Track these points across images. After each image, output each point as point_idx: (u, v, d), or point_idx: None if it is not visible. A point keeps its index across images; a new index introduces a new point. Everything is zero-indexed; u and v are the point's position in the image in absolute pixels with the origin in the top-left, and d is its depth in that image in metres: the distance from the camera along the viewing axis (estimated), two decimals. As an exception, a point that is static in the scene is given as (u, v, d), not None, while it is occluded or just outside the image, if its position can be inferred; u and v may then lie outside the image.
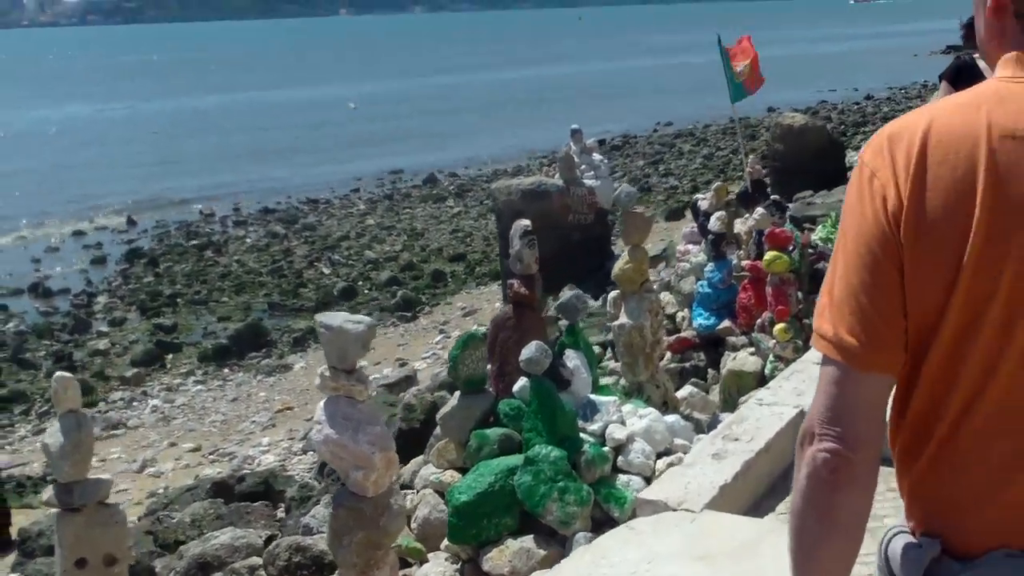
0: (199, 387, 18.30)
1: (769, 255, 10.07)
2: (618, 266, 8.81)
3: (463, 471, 7.62)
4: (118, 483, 13.51)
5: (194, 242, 31.65)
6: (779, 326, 9.39)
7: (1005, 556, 1.89)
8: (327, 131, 58.28)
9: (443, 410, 8.03)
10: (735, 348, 10.81)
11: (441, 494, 7.61)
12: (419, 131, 56.76)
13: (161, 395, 17.99)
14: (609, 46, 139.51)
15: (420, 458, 8.72)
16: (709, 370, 11.14)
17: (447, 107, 66.95)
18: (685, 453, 7.55)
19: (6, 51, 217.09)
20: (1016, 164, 1.85)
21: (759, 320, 10.25)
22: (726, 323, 11.13)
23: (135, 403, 17.73)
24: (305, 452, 13.98)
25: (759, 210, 11.20)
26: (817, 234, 14.46)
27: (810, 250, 12.38)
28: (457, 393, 8.03)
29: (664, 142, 45.89)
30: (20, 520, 12.02)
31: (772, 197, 12.68)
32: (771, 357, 9.43)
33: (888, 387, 2.01)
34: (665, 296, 12.90)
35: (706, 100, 49.21)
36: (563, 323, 8.71)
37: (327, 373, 5.48)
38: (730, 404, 9.51)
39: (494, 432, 7.54)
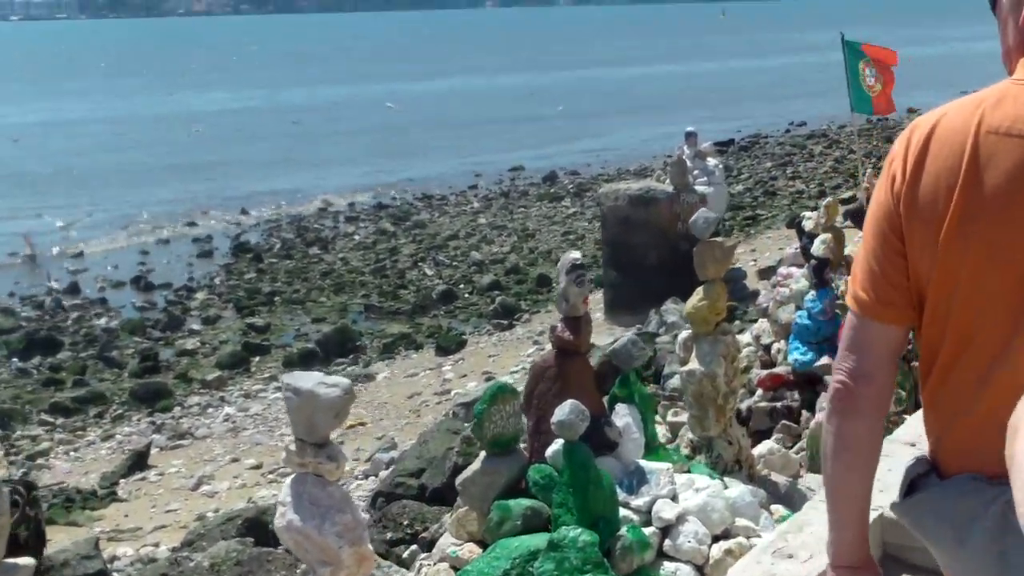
0: (277, 395, 17.48)
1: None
2: (691, 303, 7.56)
3: (485, 546, 6.49)
4: (170, 502, 12.78)
5: (303, 237, 31.06)
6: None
7: (970, 479, 2.33)
8: (453, 125, 57.48)
9: (464, 473, 6.89)
10: (826, 387, 9.48)
11: (457, 569, 6.50)
12: (549, 126, 55.66)
13: (238, 402, 17.26)
14: (751, 42, 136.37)
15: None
16: (803, 412, 9.78)
17: (581, 102, 65.59)
18: (748, 537, 6.30)
19: (164, 38, 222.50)
20: (993, 157, 2.20)
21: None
22: (825, 360, 9.72)
23: (211, 409, 17.02)
24: (366, 477, 13.01)
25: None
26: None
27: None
28: (482, 454, 6.88)
29: (795, 143, 43.91)
30: (61, 538, 11.26)
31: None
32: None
33: (896, 336, 2.52)
34: (762, 324, 11.54)
35: (843, 100, 47.10)
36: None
37: (292, 447, 4.51)
38: (817, 463, 8.18)
39: (518, 505, 6.37)
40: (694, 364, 7.43)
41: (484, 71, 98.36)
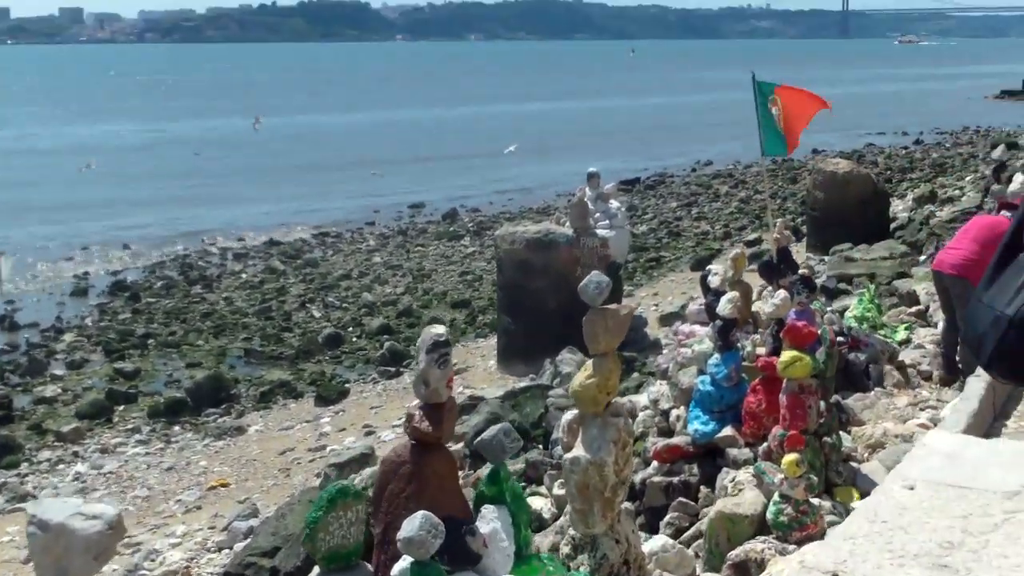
0: (137, 449, 15.96)
1: (786, 356, 7.59)
2: (578, 380, 6.34)
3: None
4: (-3, 579, 11.25)
5: (187, 275, 29.43)
6: (789, 457, 6.87)
7: None
8: (355, 160, 56.01)
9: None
10: (736, 464, 8.35)
11: None
12: (450, 162, 54.54)
13: (92, 458, 15.67)
14: (660, 79, 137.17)
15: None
16: (702, 488, 8.63)
17: (488, 137, 64.57)
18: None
19: (54, 67, 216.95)
20: None
21: (766, 443, 7.77)
22: (728, 431, 8.64)
23: (61, 465, 15.43)
24: (219, 550, 11.62)
25: (780, 294, 8.71)
26: (851, 312, 11.99)
27: (840, 338, 9.91)
28: (316, 571, 5.58)
29: (701, 182, 43.42)
30: None
31: (800, 271, 10.17)
32: (776, 497, 6.91)
33: None
34: (661, 387, 10.42)
35: (751, 140, 46.82)
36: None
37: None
38: (715, 558, 7.05)
39: (353, 637, 5.11)
40: (579, 450, 6.22)
41: (391, 104, 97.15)
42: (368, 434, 15.75)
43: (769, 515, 6.89)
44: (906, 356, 10.73)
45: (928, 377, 10.37)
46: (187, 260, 31.87)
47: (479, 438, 6.45)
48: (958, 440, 5.54)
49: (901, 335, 11.61)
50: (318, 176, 49.59)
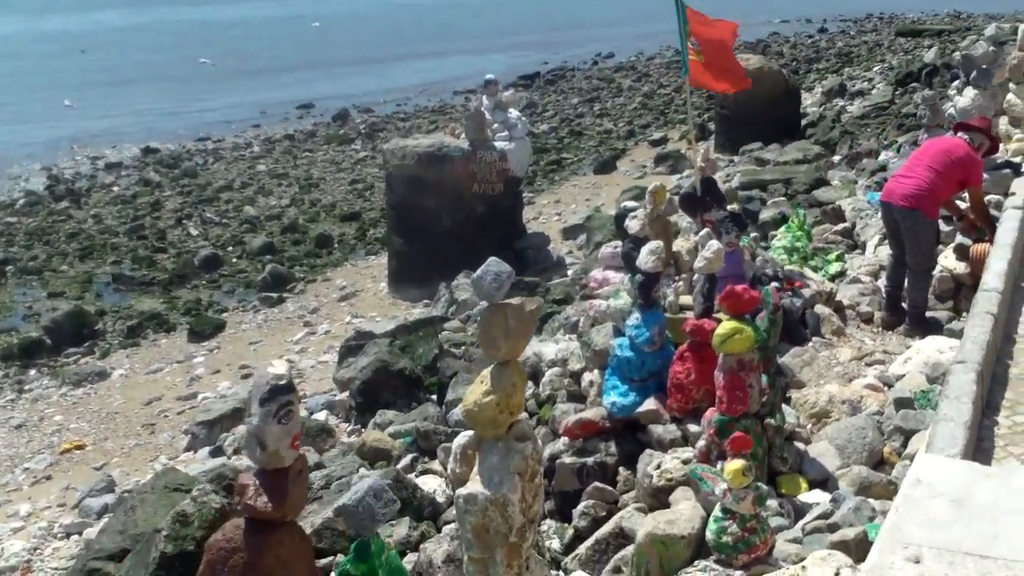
0: (-9, 400, 14.24)
1: (724, 328, 6.15)
2: (472, 397, 4.84)
3: None
4: None
5: (53, 190, 27.16)
6: (734, 464, 5.46)
7: None
8: (241, 55, 53.17)
9: None
10: (661, 444, 7.01)
11: None
12: (346, 58, 52.05)
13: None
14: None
15: None
16: (621, 470, 7.28)
17: (378, 31, 61.94)
18: None
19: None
20: None
21: (701, 442, 6.41)
22: (651, 404, 7.28)
23: None
24: (68, 535, 10.08)
25: (712, 245, 7.27)
26: (779, 242, 10.69)
27: (775, 284, 8.58)
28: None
29: (603, 76, 41.85)
30: None
31: (729, 208, 8.77)
32: (717, 512, 5.53)
33: None
34: (569, 344, 9.04)
35: (655, 27, 45.27)
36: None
37: None
38: (653, 594, 5.73)
39: None
40: (476, 485, 4.79)
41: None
42: (245, 377, 14.19)
43: (709, 534, 5.53)
44: (843, 293, 9.47)
45: (869, 319, 9.14)
46: (52, 172, 29.48)
47: (342, 504, 5.01)
48: (961, 473, 4.24)
49: (834, 267, 10.36)
50: (200, 74, 46.92)
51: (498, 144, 16.62)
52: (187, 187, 26.73)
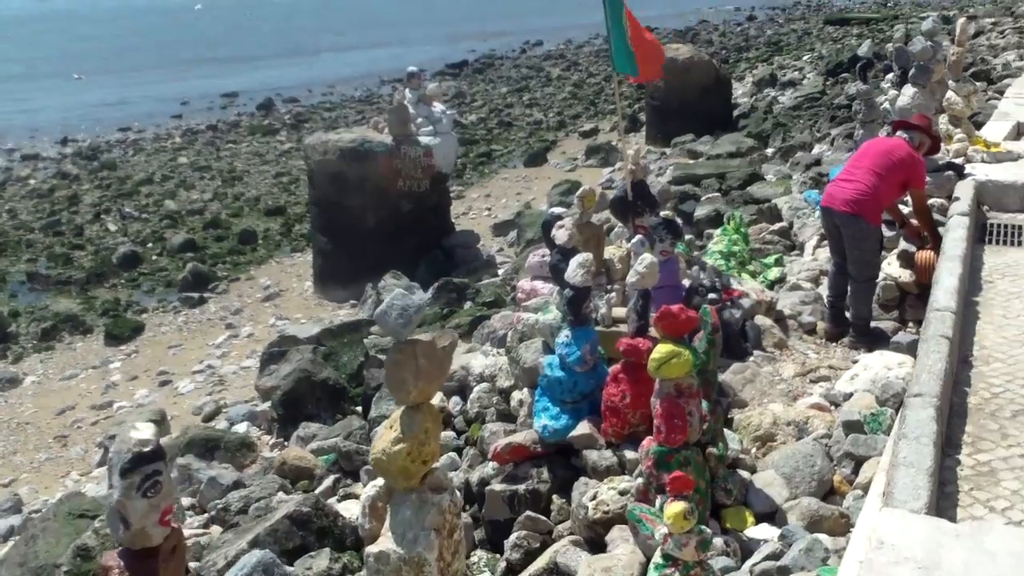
0: None
1: (659, 352, 5.71)
2: (380, 444, 4.38)
3: None
4: None
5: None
6: (675, 507, 5.00)
7: None
8: (163, 42, 51.97)
9: None
10: (596, 471, 6.59)
11: None
12: (270, 44, 51.02)
13: None
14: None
15: None
16: (555, 499, 6.85)
17: (311, 18, 60.89)
18: None
19: None
20: None
21: (637, 480, 5.99)
22: (585, 427, 6.85)
23: None
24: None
25: (646, 259, 6.83)
26: (715, 246, 10.31)
27: (713, 296, 8.21)
28: None
29: (532, 65, 41.41)
30: None
31: (662, 213, 8.36)
32: (658, 559, 5.07)
33: None
34: (497, 360, 8.60)
35: (584, 15, 44.81)
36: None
37: None
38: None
39: None
40: (387, 542, 4.33)
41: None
42: (163, 383, 13.61)
43: (649, 581, 5.12)
44: (784, 302, 9.12)
45: (812, 330, 8.80)
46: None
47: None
48: (927, 533, 3.86)
49: (774, 273, 10.01)
50: (122, 64, 45.72)
51: (423, 139, 16.11)
52: (106, 180, 25.87)
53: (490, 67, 41.60)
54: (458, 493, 4.62)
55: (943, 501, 4.56)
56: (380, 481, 4.47)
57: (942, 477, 4.68)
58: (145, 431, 3.40)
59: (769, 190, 15.62)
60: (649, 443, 5.94)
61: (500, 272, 15.55)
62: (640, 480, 5.88)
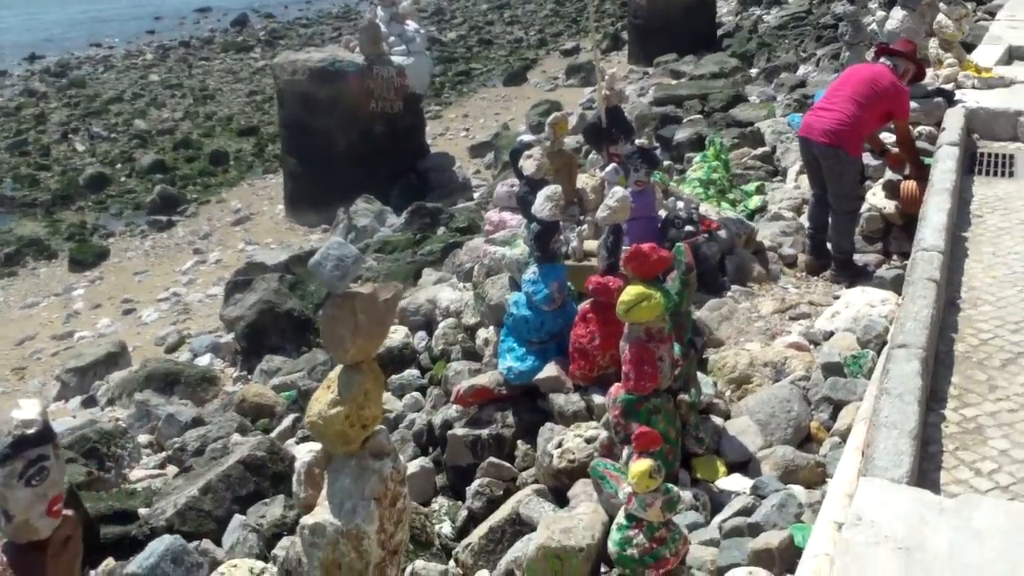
0: None
1: (629, 294, 5.32)
2: (316, 407, 3.99)
3: None
4: None
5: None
6: (639, 466, 4.65)
7: None
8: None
9: None
10: (563, 416, 6.26)
11: None
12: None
13: None
14: None
15: None
16: (519, 444, 6.53)
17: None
18: None
19: None
20: None
21: (602, 433, 5.66)
22: (552, 369, 6.50)
23: None
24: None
25: (617, 193, 6.42)
26: (695, 174, 9.92)
27: (690, 228, 7.84)
28: None
29: (514, -21, 40.52)
30: None
31: (637, 141, 7.92)
32: (621, 519, 4.72)
33: None
34: (463, 294, 8.22)
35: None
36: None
37: None
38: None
39: None
40: (324, 513, 3.98)
41: None
42: (127, 312, 13.23)
43: (612, 545, 4.75)
44: (764, 232, 8.76)
45: (792, 263, 8.45)
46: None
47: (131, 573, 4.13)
48: (910, 507, 3.54)
49: (754, 201, 9.63)
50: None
51: (395, 59, 15.59)
52: (75, 98, 25.20)
53: (471, -18, 40.75)
54: (402, 459, 4.26)
55: (926, 463, 4.24)
56: (317, 445, 4.11)
57: (925, 436, 4.35)
58: (30, 410, 2.99)
59: (752, 112, 15.17)
60: (617, 390, 5.59)
61: (476, 196, 15.12)
62: (604, 433, 5.55)
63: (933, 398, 4.71)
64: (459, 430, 6.67)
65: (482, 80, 25.17)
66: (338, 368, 4.00)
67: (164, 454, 8.48)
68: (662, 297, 5.32)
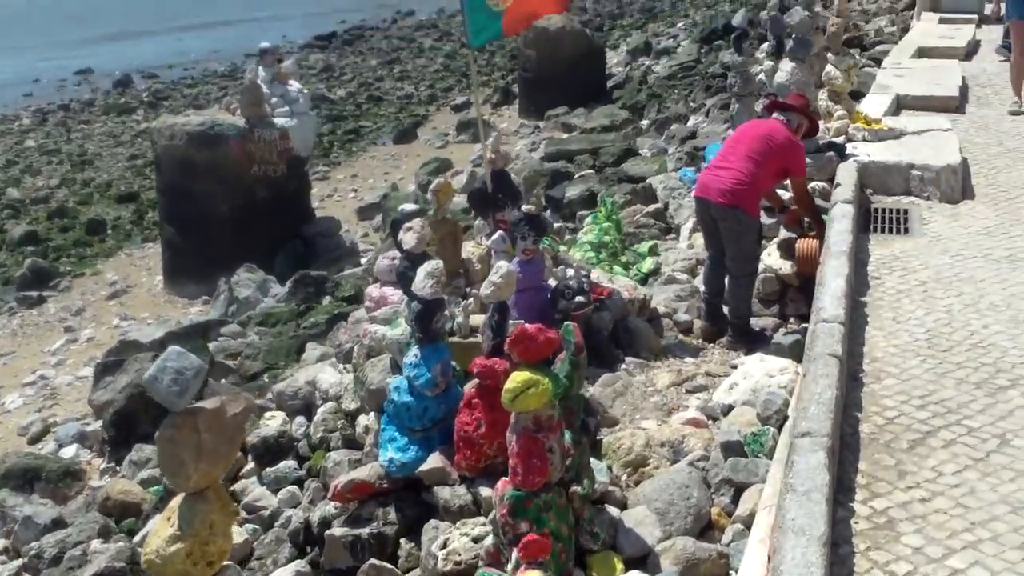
0: None
1: (514, 381, 4.85)
2: (153, 542, 3.44)
3: None
4: None
5: None
6: (530, 576, 4.23)
7: None
8: (16, 15, 49.55)
9: None
10: (448, 511, 5.75)
11: None
12: (131, 19, 48.91)
13: None
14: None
15: None
16: (403, 542, 5.99)
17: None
18: None
19: None
20: None
21: (487, 540, 5.18)
22: (436, 461, 6.00)
23: None
24: None
25: (502, 268, 5.94)
26: (586, 237, 9.55)
27: (581, 298, 7.39)
28: None
29: (403, 35, 40.28)
30: None
31: (524, 208, 7.48)
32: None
33: None
34: (343, 377, 7.67)
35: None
36: None
37: None
38: None
39: None
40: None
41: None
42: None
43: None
44: (658, 298, 8.40)
45: (688, 330, 8.09)
46: None
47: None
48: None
49: (648, 264, 9.28)
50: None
51: (278, 121, 15.07)
52: (-56, 166, 24.20)
53: (360, 39, 40.33)
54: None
55: (837, 567, 3.85)
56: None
57: (835, 535, 3.95)
58: None
59: (644, 167, 15.00)
60: (504, 486, 5.11)
61: (363, 261, 14.59)
62: (490, 540, 5.07)
63: (840, 488, 4.33)
64: (337, 530, 6.13)
65: (372, 138, 24.73)
66: (179, 497, 3.48)
67: (20, 561, 7.77)
68: (550, 383, 4.88)
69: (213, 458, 3.39)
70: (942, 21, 16.08)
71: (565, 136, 19.90)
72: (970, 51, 14.27)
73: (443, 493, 5.86)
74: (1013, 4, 10.68)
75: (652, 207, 12.08)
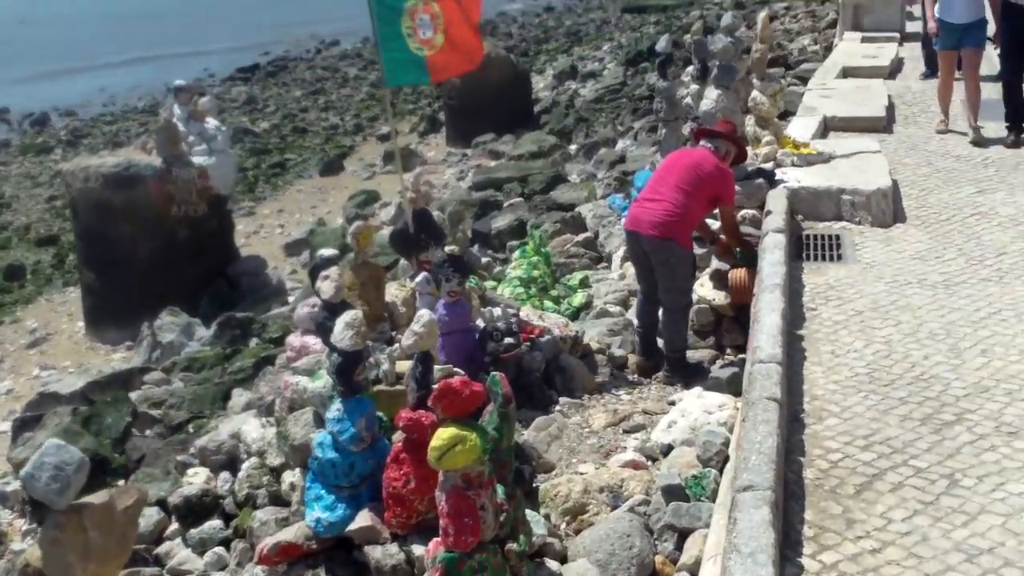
0: None
1: (440, 439, 4.61)
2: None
3: None
4: None
5: None
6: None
7: None
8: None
9: None
10: (380, 571, 5.49)
11: None
12: (47, 57, 48.02)
13: None
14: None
15: None
16: (334, 607, 5.72)
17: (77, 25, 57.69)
18: None
19: None
20: None
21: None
22: (365, 519, 5.72)
23: None
24: None
25: (423, 316, 5.69)
26: (515, 272, 9.33)
27: (510, 340, 7.18)
28: None
29: (328, 66, 39.91)
30: None
31: (447, 250, 7.23)
32: None
33: None
34: (267, 432, 7.35)
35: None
36: None
37: None
38: None
39: None
40: None
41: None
42: None
43: None
44: (591, 333, 8.20)
45: (622, 365, 7.90)
46: None
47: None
48: None
49: (579, 298, 9.08)
50: None
51: (196, 159, 14.70)
52: None
53: (284, 70, 39.88)
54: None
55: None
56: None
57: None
58: None
59: (573, 194, 14.85)
60: (436, 547, 4.87)
61: (291, 300, 14.24)
62: (421, 610, 4.81)
63: (787, 542, 4.13)
64: (259, 597, 5.85)
65: (297, 171, 24.33)
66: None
67: (-69, 642, 7.36)
68: (478, 438, 4.65)
69: (103, 557, 3.12)
70: (864, 40, 16.12)
71: (493, 164, 19.71)
72: (894, 69, 14.30)
73: (375, 553, 5.59)
74: (944, 35, 10.68)
75: (582, 236, 11.92)
